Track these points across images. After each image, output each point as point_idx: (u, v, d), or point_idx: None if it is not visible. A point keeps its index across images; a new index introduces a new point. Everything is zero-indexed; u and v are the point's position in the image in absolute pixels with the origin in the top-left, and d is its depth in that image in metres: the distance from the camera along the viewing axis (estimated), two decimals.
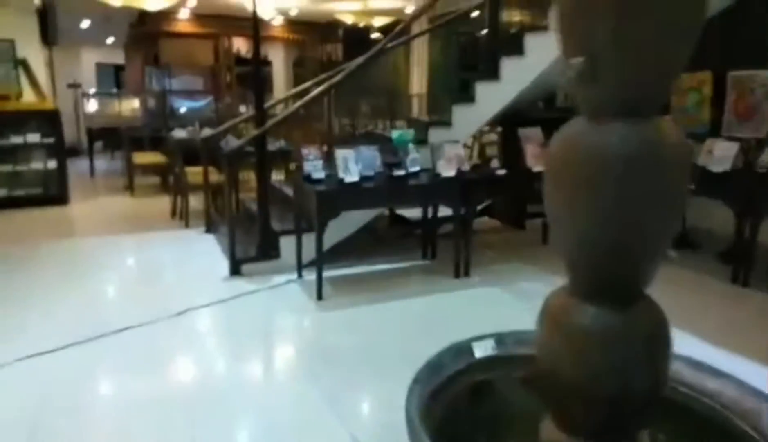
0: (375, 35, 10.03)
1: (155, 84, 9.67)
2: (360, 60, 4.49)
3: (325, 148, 5.03)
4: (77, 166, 9.06)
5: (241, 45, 10.82)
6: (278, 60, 12.52)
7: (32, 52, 6.66)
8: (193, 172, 5.79)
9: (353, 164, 3.73)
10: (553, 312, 1.67)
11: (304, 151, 3.85)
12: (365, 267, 4.40)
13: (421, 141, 4.31)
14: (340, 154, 3.72)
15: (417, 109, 9.40)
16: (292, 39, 10.82)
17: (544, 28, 3.96)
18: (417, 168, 4.04)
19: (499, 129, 5.50)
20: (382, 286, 3.98)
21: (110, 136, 8.93)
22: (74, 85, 11.76)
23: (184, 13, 9.05)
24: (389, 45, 4.78)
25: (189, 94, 9.85)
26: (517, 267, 4.41)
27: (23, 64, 6.40)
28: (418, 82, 9.40)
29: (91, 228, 5.74)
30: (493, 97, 4.22)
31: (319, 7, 8.38)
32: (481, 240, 4.99)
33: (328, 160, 3.93)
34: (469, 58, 8.16)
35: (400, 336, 3.18)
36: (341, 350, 3.04)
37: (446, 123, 4.38)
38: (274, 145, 5.90)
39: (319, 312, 3.53)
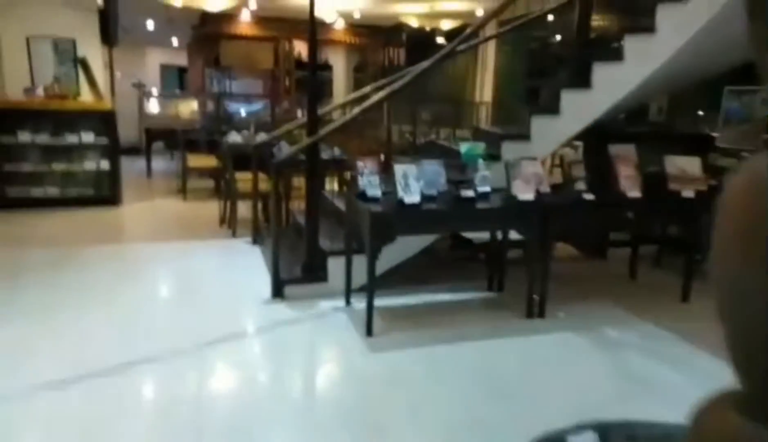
0: (440, 40, 9.53)
1: (215, 86, 9.56)
2: (425, 64, 3.99)
3: (382, 159, 4.57)
4: (136, 166, 9.04)
5: (302, 48, 10.59)
6: (339, 64, 12.24)
7: (92, 51, 6.58)
8: (244, 179, 5.46)
9: (414, 182, 3.22)
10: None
11: (359, 163, 3.39)
12: (422, 296, 3.88)
13: (492, 156, 3.76)
14: (400, 169, 3.22)
15: (483, 118, 8.83)
16: (353, 43, 10.48)
17: (648, 30, 3.32)
18: (488, 188, 3.49)
19: (578, 144, 4.88)
20: (440, 322, 3.45)
21: (169, 138, 8.84)
22: (138, 85, 11.94)
23: (245, 15, 8.87)
24: (457, 49, 4.25)
25: (247, 97, 9.67)
26: (600, 307, 3.77)
27: (83, 63, 6.31)
28: (484, 90, 8.82)
29: (136, 233, 5.52)
30: (582, 109, 3.61)
31: (383, 10, 7.97)
32: (556, 270, 4.36)
33: (386, 174, 3.46)
34: (540, 64, 7.52)
35: (460, 395, 2.64)
36: (389, 410, 2.53)
37: (523, 136, 3.80)
38: (327, 153, 5.50)
39: (367, 354, 3.03)
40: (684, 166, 3.79)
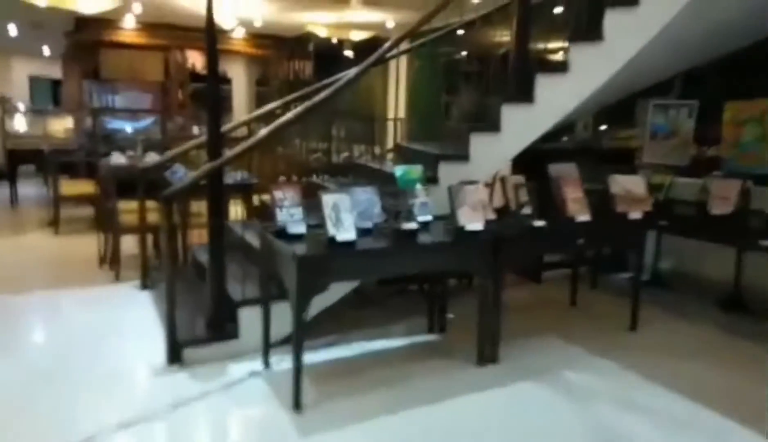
0: (348, 53, 9.07)
1: (96, 101, 8.37)
2: (350, 73, 3.47)
3: (300, 184, 3.96)
4: None
5: (196, 59, 9.65)
6: (239, 77, 11.37)
7: None
8: (129, 209, 4.58)
9: (347, 214, 2.65)
10: None
11: (277, 193, 2.75)
12: (353, 346, 3.29)
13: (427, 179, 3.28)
14: (330, 200, 2.63)
15: (395, 134, 8.43)
16: (254, 54, 9.71)
17: (596, 38, 3.02)
18: (429, 217, 3.01)
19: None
20: (381, 381, 2.87)
21: (39, 160, 7.55)
22: (1, 100, 10.33)
23: (128, 21, 7.84)
24: (385, 57, 3.77)
25: (133, 113, 8.58)
26: (550, 344, 3.40)
27: None
28: (396, 105, 8.43)
29: None
30: (525, 125, 3.25)
31: (288, 18, 7.34)
32: None
33: (307, 203, 2.85)
34: (457, 78, 7.29)
35: None
36: None
37: (461, 157, 3.36)
38: (231, 177, 4.78)
39: (297, 438, 2.38)
40: (628, 185, 3.55)
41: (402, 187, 3.11)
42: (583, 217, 3.25)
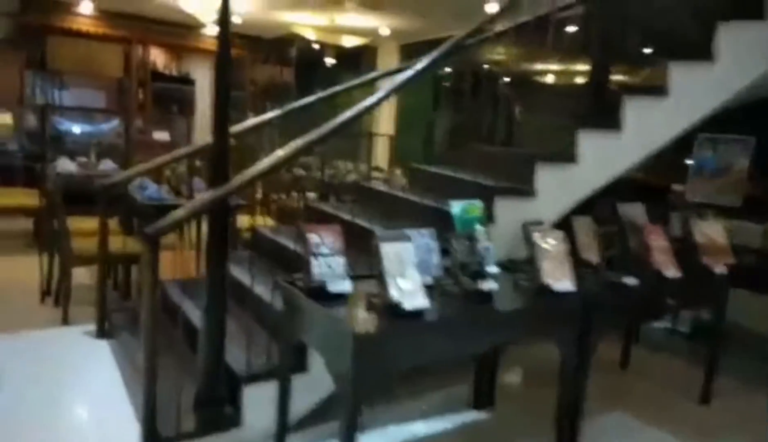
0: (331, 60, 8.36)
1: (39, 95, 7.26)
2: (402, 78, 2.81)
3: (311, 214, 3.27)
4: None
5: (158, 56, 8.67)
6: (204, 79, 10.43)
7: None
8: (83, 231, 3.68)
9: (412, 269, 1.93)
10: None
11: (312, 238, 2.00)
12: (387, 431, 2.55)
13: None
14: (390, 250, 1.90)
15: (380, 152, 7.77)
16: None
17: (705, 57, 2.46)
18: (494, 268, 2.33)
19: None
20: None
21: None
22: None
23: (84, 6, 6.82)
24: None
25: (86, 112, 7.51)
26: (624, 424, 2.79)
27: None
28: (384, 123, 7.78)
29: None
30: (609, 156, 2.64)
31: (272, 17, 6.57)
32: (531, 358, 3.31)
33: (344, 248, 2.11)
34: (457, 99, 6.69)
35: None
36: None
37: (524, 191, 2.72)
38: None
39: None
40: (709, 232, 3.00)
41: (460, 229, 2.43)
42: (672, 272, 2.66)
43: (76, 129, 7.18)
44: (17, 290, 4.06)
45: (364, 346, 1.69)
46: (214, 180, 2.18)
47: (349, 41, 6.64)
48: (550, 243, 2.31)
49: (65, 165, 5.51)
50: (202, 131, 9.78)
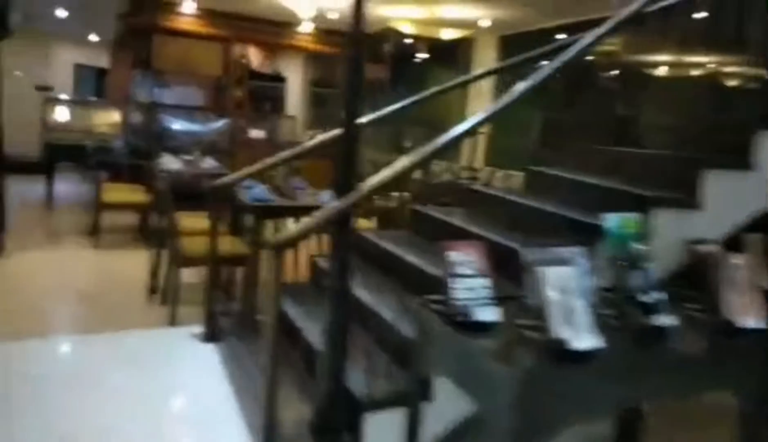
0: (424, 55, 8.09)
1: (144, 93, 7.55)
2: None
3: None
4: (33, 191, 6.84)
5: (252, 55, 8.79)
6: (295, 76, 10.53)
7: None
8: (191, 230, 3.67)
9: (579, 300, 1.63)
10: None
11: (455, 256, 1.75)
12: None
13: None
14: (552, 274, 1.62)
15: (469, 152, 7.42)
16: (316, 51, 8.76)
17: None
18: (662, 295, 1.96)
19: None
20: None
21: (79, 156, 6.74)
22: (44, 88, 9.66)
23: (188, 6, 6.99)
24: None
25: (188, 111, 7.71)
26: None
27: None
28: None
29: (11, 313, 3.50)
30: None
31: (371, 12, 6.39)
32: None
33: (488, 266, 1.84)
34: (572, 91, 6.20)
35: None
36: None
37: (689, 204, 2.32)
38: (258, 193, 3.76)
39: None
40: None
41: (614, 247, 2.08)
42: None
43: (182, 127, 7.38)
44: (127, 285, 4.13)
45: (523, 392, 1.42)
46: (341, 187, 1.98)
47: (448, 34, 6.34)
48: (731, 268, 1.92)
49: (170, 162, 5.63)
50: (292, 129, 9.89)
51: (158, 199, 4.18)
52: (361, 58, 2.04)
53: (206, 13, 7.24)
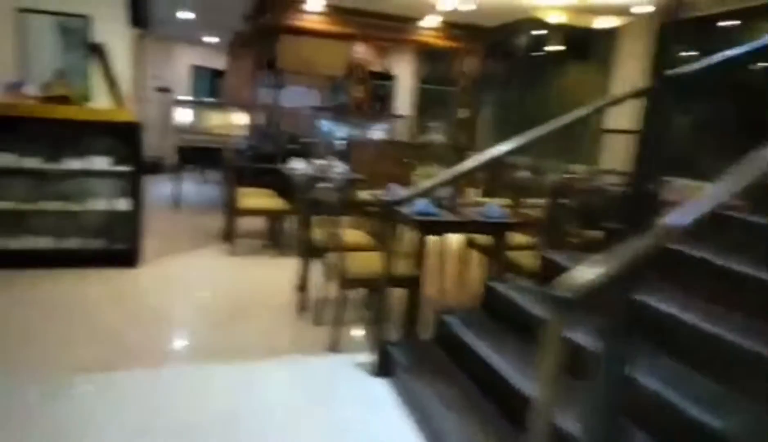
0: (554, 48, 7.39)
1: (268, 95, 7.46)
2: None
3: None
4: (158, 192, 6.93)
5: (366, 53, 8.50)
6: (405, 73, 10.16)
7: (113, 36, 4.48)
8: (355, 246, 3.35)
9: None
10: None
11: None
12: None
13: None
14: None
15: (613, 153, 6.66)
16: (440, 47, 8.27)
17: None
18: None
19: None
20: None
21: (205, 158, 6.75)
22: (164, 90, 9.93)
23: (315, 4, 6.76)
24: None
25: (336, 113, 7.47)
26: None
27: (98, 51, 4.22)
28: (626, 114, 6.65)
29: (150, 334, 3.30)
30: None
31: (509, 2, 5.86)
32: None
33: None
34: None
35: None
36: None
37: None
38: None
39: None
40: None
41: None
42: None
43: (336, 130, 7.19)
44: (270, 300, 3.88)
45: None
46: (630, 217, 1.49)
47: (602, 23, 5.67)
48: None
49: (301, 166, 5.41)
50: (404, 128, 9.53)
51: (304, 209, 3.91)
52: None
53: (332, 11, 6.99)
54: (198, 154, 6.67)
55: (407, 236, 3.26)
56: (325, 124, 7.38)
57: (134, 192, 4.24)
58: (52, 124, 4.00)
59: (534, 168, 6.14)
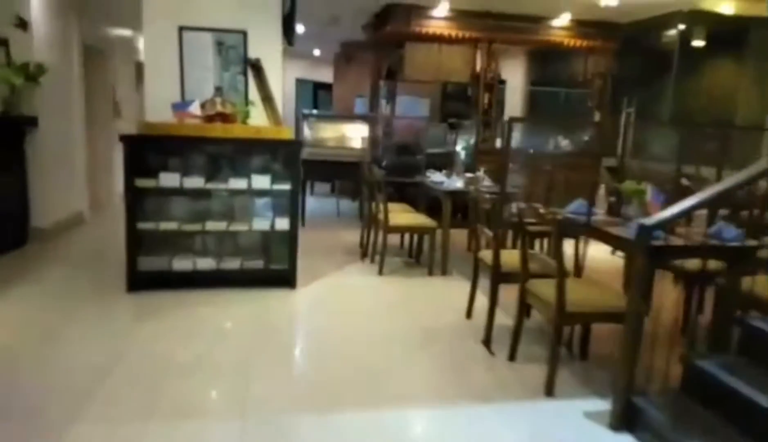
0: (698, 43, 6.70)
1: (384, 106, 7.26)
2: None
3: None
4: None
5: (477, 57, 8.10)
6: (515, 77, 9.70)
7: (269, 51, 4.36)
8: (542, 272, 2.98)
9: None
10: None
11: None
12: None
13: None
14: None
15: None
16: (574, 46, 7.71)
17: None
18: None
19: None
20: None
21: (329, 172, 6.62)
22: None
23: (440, 9, 6.47)
24: None
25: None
26: None
27: (256, 67, 4.11)
28: None
29: (319, 369, 3.07)
30: None
31: None
32: None
33: None
34: None
35: None
36: None
37: None
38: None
39: None
40: None
41: None
42: None
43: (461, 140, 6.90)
44: (442, 330, 3.57)
45: None
46: None
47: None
48: None
49: (443, 179, 5.12)
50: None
51: (494, 228, 3.58)
52: None
53: (457, 15, 6.67)
54: (323, 168, 6.54)
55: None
56: (448, 135, 7.05)
57: (293, 211, 4.08)
58: (214, 142, 3.92)
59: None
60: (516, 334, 3.10)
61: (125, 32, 7.70)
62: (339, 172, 6.38)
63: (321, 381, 2.82)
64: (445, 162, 6.15)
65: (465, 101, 8.09)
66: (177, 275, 3.98)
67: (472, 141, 6.89)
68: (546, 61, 9.59)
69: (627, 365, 2.44)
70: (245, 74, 4.35)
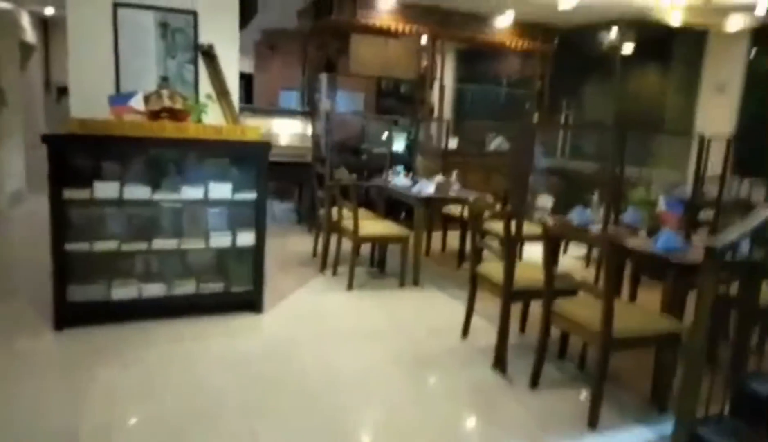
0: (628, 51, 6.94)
1: (327, 101, 6.73)
2: None
3: None
4: None
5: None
6: (446, 74, 9.56)
7: (225, 37, 3.71)
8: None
9: None
10: None
11: None
12: None
13: None
14: None
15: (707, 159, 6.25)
16: (515, 48, 7.63)
17: None
18: None
19: None
20: None
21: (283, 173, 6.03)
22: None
23: (385, 1, 6.08)
24: None
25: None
26: None
27: (207, 54, 3.47)
28: (720, 116, 6.29)
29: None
30: None
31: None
32: None
33: None
34: None
35: None
36: None
37: None
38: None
39: None
40: None
41: None
42: None
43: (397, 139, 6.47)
44: (436, 355, 3.24)
45: None
46: None
47: (733, 24, 5.20)
48: None
49: (406, 182, 4.77)
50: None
51: (505, 242, 3.29)
52: None
53: (403, 8, 6.33)
54: (283, 171, 5.87)
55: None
56: (385, 133, 6.69)
57: (259, 224, 3.51)
58: (163, 144, 3.24)
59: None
60: (540, 359, 2.83)
61: (4, 5, 6.49)
62: (273, 173, 5.76)
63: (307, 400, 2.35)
64: (384, 162, 5.78)
65: (398, 98, 7.80)
66: (118, 305, 3.26)
67: (410, 139, 6.61)
68: (473, 60, 9.57)
69: (691, 396, 2.25)
70: (195, 63, 3.68)
